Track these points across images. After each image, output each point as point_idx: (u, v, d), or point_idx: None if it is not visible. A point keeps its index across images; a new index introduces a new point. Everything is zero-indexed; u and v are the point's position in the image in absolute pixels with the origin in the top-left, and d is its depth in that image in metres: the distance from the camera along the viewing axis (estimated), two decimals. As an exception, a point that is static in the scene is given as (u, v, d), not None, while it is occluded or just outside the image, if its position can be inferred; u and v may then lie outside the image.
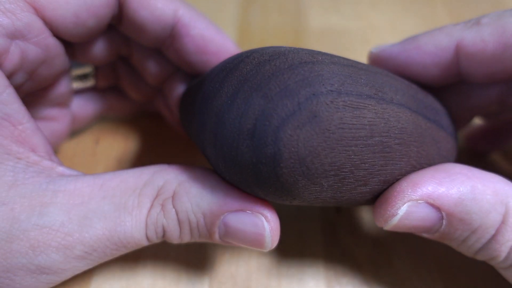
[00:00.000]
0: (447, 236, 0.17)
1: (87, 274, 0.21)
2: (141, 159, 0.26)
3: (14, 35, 0.17)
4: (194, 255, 0.22)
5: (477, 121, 0.27)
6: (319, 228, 0.23)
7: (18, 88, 0.19)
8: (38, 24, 0.18)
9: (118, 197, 0.16)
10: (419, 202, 0.16)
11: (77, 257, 0.16)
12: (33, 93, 0.21)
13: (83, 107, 0.25)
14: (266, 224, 0.16)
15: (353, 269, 0.21)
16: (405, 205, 0.16)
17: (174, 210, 0.16)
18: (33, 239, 0.15)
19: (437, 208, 0.16)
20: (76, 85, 0.24)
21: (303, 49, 0.16)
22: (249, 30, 0.37)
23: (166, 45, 0.21)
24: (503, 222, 0.16)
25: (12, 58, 0.17)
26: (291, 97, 0.14)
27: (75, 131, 0.27)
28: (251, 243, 0.17)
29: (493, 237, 0.16)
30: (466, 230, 0.16)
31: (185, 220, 0.17)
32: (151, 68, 0.23)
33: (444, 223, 0.16)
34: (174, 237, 0.17)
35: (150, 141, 0.27)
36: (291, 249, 0.22)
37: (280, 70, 0.15)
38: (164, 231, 0.17)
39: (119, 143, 0.27)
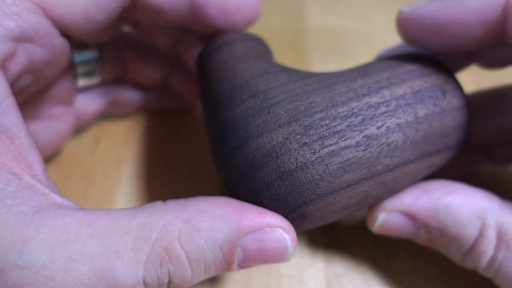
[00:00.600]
0: (432, 243, 0.19)
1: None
2: (142, 160, 0.26)
3: (21, 38, 0.16)
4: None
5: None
6: (319, 228, 0.23)
7: (23, 90, 0.19)
8: (46, 25, 0.17)
9: (108, 238, 0.14)
10: (394, 212, 0.18)
11: None
12: (36, 92, 0.21)
13: (87, 104, 0.25)
14: (287, 235, 0.16)
15: (353, 269, 0.21)
16: (382, 213, 0.19)
17: (184, 252, 0.15)
18: (10, 281, 0.13)
19: (414, 218, 0.18)
20: (82, 82, 0.24)
21: (295, 135, 0.16)
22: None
23: (188, 21, 0.21)
24: (480, 235, 0.17)
25: (19, 62, 0.17)
26: (283, 207, 0.16)
27: (77, 129, 0.27)
28: (273, 259, 0.16)
29: (472, 247, 0.17)
30: (445, 239, 0.18)
31: (200, 259, 0.15)
32: (161, 30, 0.23)
33: (423, 231, 0.18)
34: (185, 281, 0.15)
35: (150, 141, 0.27)
36: (291, 249, 0.22)
37: (271, 180, 0.16)
38: (170, 277, 0.15)
39: (120, 143, 0.27)
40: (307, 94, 0.17)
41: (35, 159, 0.16)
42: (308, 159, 0.16)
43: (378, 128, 0.16)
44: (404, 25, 0.19)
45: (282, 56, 0.33)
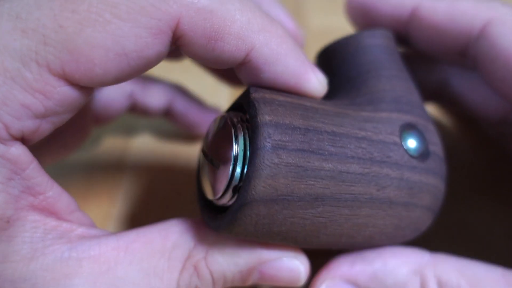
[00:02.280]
0: None
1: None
2: (142, 160, 0.26)
3: (44, 115, 0.15)
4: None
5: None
6: (319, 228, 0.23)
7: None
8: (71, 97, 0.15)
9: (146, 261, 0.16)
10: (335, 281, 0.18)
11: None
12: None
13: (106, 107, 0.24)
14: (302, 266, 0.17)
15: (352, 269, 0.21)
16: (323, 284, 0.18)
17: (208, 270, 0.16)
18: None
19: (355, 283, 0.17)
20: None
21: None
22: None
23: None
24: None
25: (42, 134, 0.15)
26: None
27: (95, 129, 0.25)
28: (286, 284, 0.17)
29: None
30: None
31: (220, 278, 0.16)
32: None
33: None
34: None
35: (150, 141, 0.27)
36: (291, 249, 0.22)
37: None
38: None
39: (120, 143, 0.27)
40: None
41: (61, 207, 0.16)
42: None
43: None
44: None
45: (282, 56, 0.33)
